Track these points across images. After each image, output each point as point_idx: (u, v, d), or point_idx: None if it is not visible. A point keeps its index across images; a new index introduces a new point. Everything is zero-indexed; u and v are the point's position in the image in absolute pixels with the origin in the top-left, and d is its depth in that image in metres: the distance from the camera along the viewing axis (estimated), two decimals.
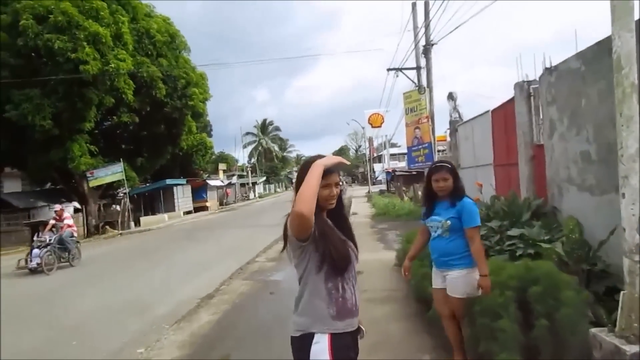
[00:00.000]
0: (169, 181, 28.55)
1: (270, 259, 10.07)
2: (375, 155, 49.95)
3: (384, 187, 31.02)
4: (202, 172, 38.76)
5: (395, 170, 29.45)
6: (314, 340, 1.88)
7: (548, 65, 6.89)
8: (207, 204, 36.00)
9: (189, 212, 32.38)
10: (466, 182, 12.34)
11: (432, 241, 3.32)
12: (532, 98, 7.86)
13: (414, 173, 25.50)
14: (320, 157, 1.95)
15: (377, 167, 48.19)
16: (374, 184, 42.79)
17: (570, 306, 2.37)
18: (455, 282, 3.14)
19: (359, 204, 23.55)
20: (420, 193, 18.69)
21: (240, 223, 20.91)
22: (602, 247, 4.28)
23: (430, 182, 3.23)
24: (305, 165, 1.94)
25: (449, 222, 3.19)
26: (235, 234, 16.13)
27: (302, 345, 1.90)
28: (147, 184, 30.33)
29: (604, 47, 5.17)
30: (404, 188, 23.93)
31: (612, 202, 5.16)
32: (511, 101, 9.16)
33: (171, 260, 11.37)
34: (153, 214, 29.08)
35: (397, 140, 56.22)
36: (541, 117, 7.86)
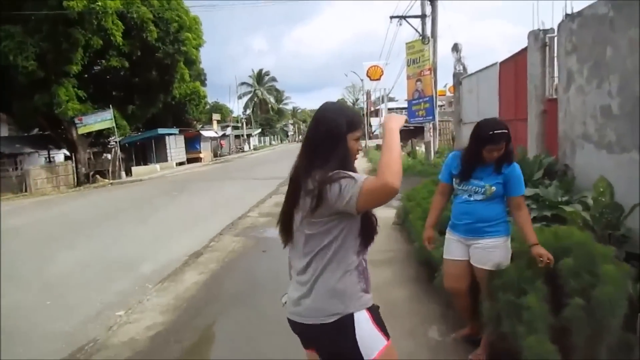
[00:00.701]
0: (161, 131, 27.83)
1: (264, 214, 9.70)
2: (372, 109, 49.07)
3: (380, 141, 30.54)
4: (195, 122, 37.92)
5: None
6: (356, 321, 1.63)
7: (569, 12, 6.31)
8: (201, 155, 35.44)
9: (181, 163, 31.89)
10: (468, 138, 11.92)
11: (464, 204, 2.86)
12: (547, 48, 7.30)
13: (412, 128, 24.96)
14: (355, 118, 1.75)
15: (374, 121, 47.40)
16: (370, 138, 42.22)
17: (609, 283, 2.02)
18: (490, 252, 2.74)
19: None
20: (419, 148, 18.27)
21: (234, 175, 20.48)
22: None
23: (481, 149, 2.70)
24: (344, 123, 1.68)
25: (494, 187, 2.75)
26: (229, 187, 15.72)
27: (340, 330, 1.63)
28: (139, 133, 29.62)
29: None
30: (401, 143, 23.44)
31: (634, 161, 4.77)
32: (523, 52, 8.58)
33: (161, 213, 10.94)
34: (145, 164, 28.57)
35: (395, 94, 55.10)
36: (556, 69, 7.34)
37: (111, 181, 22.85)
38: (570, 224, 3.19)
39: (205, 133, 37.63)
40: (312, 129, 1.71)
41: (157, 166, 27.23)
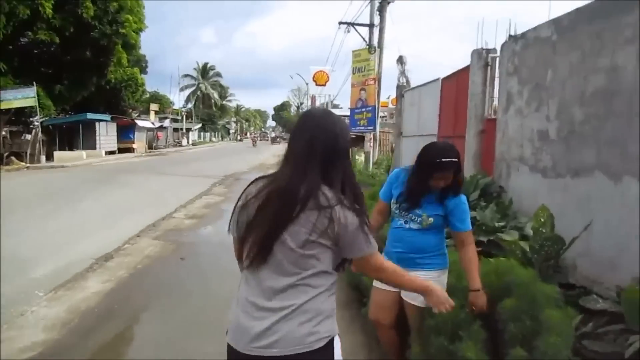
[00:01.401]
0: (90, 115, 25.92)
1: (190, 216, 9.04)
2: None
3: None
4: (131, 110, 35.99)
5: None
6: (335, 344, 1.51)
7: (514, 33, 6.29)
8: (134, 145, 33.58)
9: (112, 152, 30.01)
10: (409, 152, 11.83)
11: (398, 231, 2.55)
12: (489, 68, 7.30)
13: (353, 136, 25.02)
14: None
15: None
16: None
17: (553, 332, 1.76)
18: None
19: None
20: (358, 157, 18.21)
21: (166, 170, 19.40)
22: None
23: (427, 176, 2.39)
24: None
25: (431, 219, 2.45)
26: (158, 182, 14.76)
27: (325, 355, 1.48)
28: (67, 116, 27.51)
29: (583, 15, 4.60)
30: None
31: (567, 186, 4.73)
32: (465, 70, 8.59)
33: (77, 206, 9.85)
34: (70, 149, 26.56)
35: (340, 101, 55.40)
36: (496, 89, 7.35)
37: (28, 165, 20.95)
38: (509, 254, 2.97)
39: (140, 123, 35.73)
40: (328, 139, 1.50)
41: (84, 153, 25.35)
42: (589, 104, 4.37)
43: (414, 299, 2.40)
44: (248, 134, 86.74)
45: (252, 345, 1.43)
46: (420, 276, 2.39)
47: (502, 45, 6.36)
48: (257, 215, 1.47)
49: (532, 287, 2.07)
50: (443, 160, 2.32)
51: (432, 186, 2.40)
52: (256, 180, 1.57)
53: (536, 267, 3.01)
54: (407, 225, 2.50)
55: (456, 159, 2.34)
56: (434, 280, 2.38)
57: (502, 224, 4.11)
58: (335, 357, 1.49)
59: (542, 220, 3.18)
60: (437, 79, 10.28)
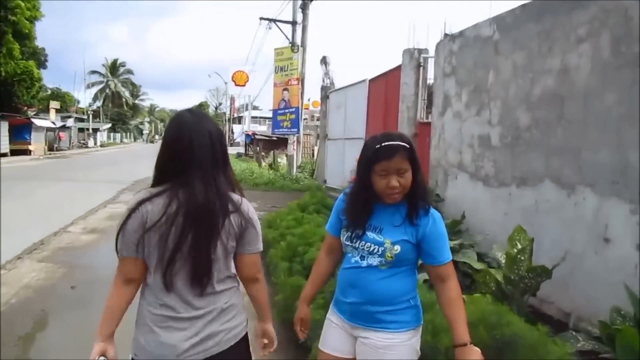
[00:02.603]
0: None
1: (89, 230, 7.75)
2: (235, 115, 47.63)
3: (242, 149, 29.26)
4: (26, 108, 32.37)
5: (256, 134, 27.82)
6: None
7: (448, 32, 5.97)
8: (31, 147, 30.08)
9: (3, 155, 26.66)
10: (335, 155, 11.29)
11: (353, 272, 1.75)
12: (421, 69, 6.97)
13: (275, 138, 24.25)
14: None
15: (237, 128, 45.98)
16: (231, 145, 40.76)
17: None
18: (383, 354, 1.67)
19: None
20: (280, 160, 17.52)
21: (65, 175, 17.33)
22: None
23: (370, 173, 1.66)
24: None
25: (397, 247, 1.66)
26: (54, 189, 12.95)
27: (246, 344, 1.62)
28: None
29: (529, 12, 4.30)
30: (262, 153, 22.54)
31: (512, 196, 4.40)
32: (395, 71, 8.24)
33: None
34: None
35: (260, 103, 54.45)
36: (425, 92, 7.05)
37: None
38: (481, 287, 2.45)
39: (38, 122, 32.12)
40: (222, 141, 1.54)
41: None
42: (537, 108, 4.06)
43: None
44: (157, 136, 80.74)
45: (185, 356, 1.45)
46: (381, 339, 1.72)
47: (438, 45, 6.02)
48: (182, 242, 1.41)
49: (542, 350, 1.52)
50: (383, 144, 1.63)
51: (382, 190, 1.66)
52: (149, 198, 1.43)
53: (513, 302, 2.53)
54: (363, 262, 1.71)
55: (404, 143, 1.62)
56: (402, 344, 1.72)
57: (457, 242, 3.63)
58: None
59: (519, 245, 2.68)
60: (364, 80, 9.90)
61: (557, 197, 3.74)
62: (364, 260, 1.72)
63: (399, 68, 7.69)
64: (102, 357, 1.48)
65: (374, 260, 1.70)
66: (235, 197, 1.49)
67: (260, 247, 1.56)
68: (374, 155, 1.62)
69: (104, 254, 6.23)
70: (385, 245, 1.66)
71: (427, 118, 7.01)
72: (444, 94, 5.78)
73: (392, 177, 1.62)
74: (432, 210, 1.72)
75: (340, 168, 11.16)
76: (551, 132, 3.85)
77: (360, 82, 10.13)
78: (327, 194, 5.78)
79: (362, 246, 1.72)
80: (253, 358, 1.66)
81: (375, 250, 1.68)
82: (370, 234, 1.70)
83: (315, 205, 4.98)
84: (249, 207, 1.52)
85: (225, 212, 1.43)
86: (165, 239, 1.41)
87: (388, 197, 1.68)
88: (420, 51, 6.94)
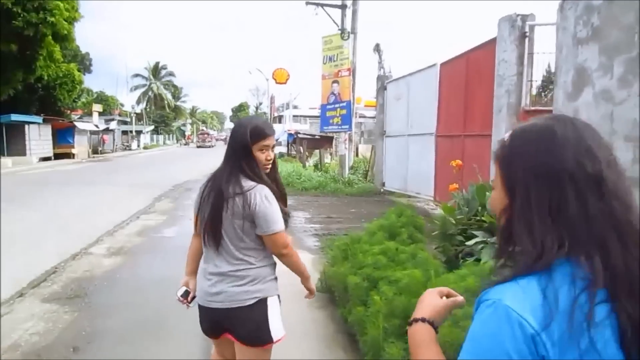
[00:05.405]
0: (15, 117, 22.40)
1: (115, 251, 6.46)
2: (275, 115, 46.65)
3: (284, 149, 28.04)
4: (69, 111, 32.49)
5: (299, 132, 26.49)
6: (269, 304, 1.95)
7: None
8: (74, 150, 30.10)
9: (47, 159, 26.62)
10: (394, 154, 9.68)
11: None
12: (527, 40, 5.35)
13: (317, 137, 22.82)
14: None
15: (277, 127, 45.01)
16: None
17: None
18: None
19: None
20: (329, 161, 16.14)
21: (104, 179, 16.58)
22: None
23: None
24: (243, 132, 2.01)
25: None
26: (87, 196, 11.98)
27: (257, 310, 1.94)
28: None
29: None
30: (306, 153, 21.15)
31: None
32: (480, 48, 6.64)
33: None
34: None
35: (298, 102, 53.15)
36: (531, 71, 5.44)
37: None
38: None
39: (81, 125, 32.20)
40: (235, 141, 1.99)
41: (9, 160, 21.95)
42: None
43: None
44: (194, 137, 77.58)
45: (208, 300, 1.96)
46: None
47: (562, 2, 4.38)
48: (206, 210, 1.96)
49: None
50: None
51: None
52: (207, 181, 2.05)
53: None
54: None
55: None
56: None
57: None
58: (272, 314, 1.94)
59: None
60: (434, 64, 8.32)
61: None
62: None
63: (489, 43, 6.09)
64: (184, 287, 2.13)
65: None
66: (248, 184, 1.89)
67: (276, 228, 1.89)
68: None
69: (125, 287, 4.94)
70: None
71: (532, 106, 5.39)
72: (575, 69, 4.15)
73: None
74: None
75: (402, 169, 9.60)
76: None
77: (429, 67, 8.55)
78: (415, 211, 4.26)
79: None
80: None
81: None
82: None
83: (406, 227, 3.44)
84: (257, 194, 1.87)
85: (228, 194, 1.88)
86: (204, 208, 1.97)
87: None
88: (524, 18, 5.32)
